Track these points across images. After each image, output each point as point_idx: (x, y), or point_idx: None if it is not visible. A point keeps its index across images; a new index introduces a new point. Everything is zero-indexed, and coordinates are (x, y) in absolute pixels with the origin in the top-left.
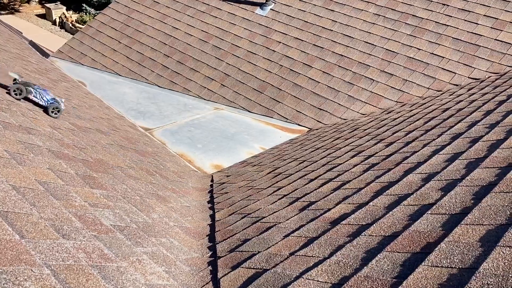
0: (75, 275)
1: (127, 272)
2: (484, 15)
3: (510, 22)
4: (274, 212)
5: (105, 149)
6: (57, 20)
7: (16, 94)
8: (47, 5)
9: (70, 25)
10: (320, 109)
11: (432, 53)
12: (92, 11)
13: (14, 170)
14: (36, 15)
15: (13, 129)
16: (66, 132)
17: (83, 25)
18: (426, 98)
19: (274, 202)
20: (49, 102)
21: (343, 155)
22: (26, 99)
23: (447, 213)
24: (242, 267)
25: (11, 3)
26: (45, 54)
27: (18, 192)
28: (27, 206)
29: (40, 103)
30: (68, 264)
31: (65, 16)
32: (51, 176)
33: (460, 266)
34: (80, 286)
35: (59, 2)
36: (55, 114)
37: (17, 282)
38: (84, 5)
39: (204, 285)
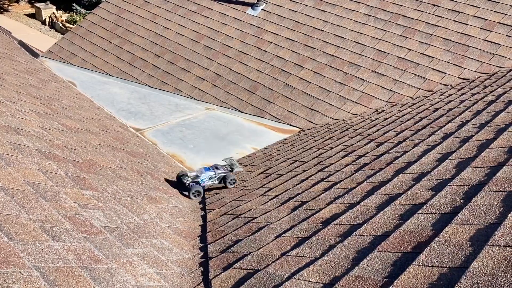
0: (65, 277)
1: (118, 273)
2: (474, 16)
3: (499, 23)
4: (266, 213)
5: (95, 149)
6: (47, 20)
7: (194, 196)
8: (37, 4)
9: (60, 25)
10: (312, 109)
11: (423, 54)
12: (83, 10)
13: (2, 171)
14: (26, 14)
15: (1, 130)
16: (56, 133)
17: (73, 25)
18: (416, 98)
19: (265, 203)
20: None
21: (334, 155)
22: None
23: (438, 212)
24: (234, 268)
25: (0, 3)
26: (34, 54)
27: (6, 193)
28: (15, 208)
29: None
30: (58, 266)
31: (55, 16)
32: (40, 177)
33: (451, 266)
34: None
35: (48, 2)
36: (232, 184)
37: (6, 285)
38: (74, 4)
39: (195, 286)
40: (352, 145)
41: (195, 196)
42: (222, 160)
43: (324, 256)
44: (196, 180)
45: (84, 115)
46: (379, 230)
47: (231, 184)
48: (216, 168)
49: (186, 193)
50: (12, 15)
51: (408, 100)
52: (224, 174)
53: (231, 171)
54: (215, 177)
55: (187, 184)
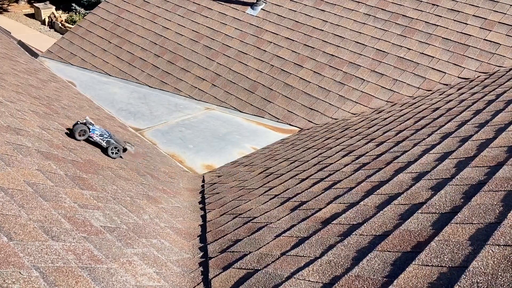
0: (65, 277)
1: (117, 273)
2: (473, 15)
3: (498, 22)
4: (266, 212)
5: (95, 150)
6: (46, 20)
7: (80, 135)
8: (36, 4)
9: (60, 24)
10: (311, 109)
11: (422, 53)
12: (82, 10)
13: (2, 172)
14: (25, 14)
15: (1, 130)
16: (55, 133)
17: (72, 25)
18: (416, 97)
19: (265, 202)
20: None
21: (334, 154)
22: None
23: (437, 212)
24: (234, 268)
25: None
26: (34, 54)
27: (6, 193)
28: (15, 208)
29: (102, 144)
30: (57, 266)
31: (55, 16)
32: (40, 177)
33: (450, 265)
34: None
35: (48, 2)
36: (115, 154)
37: (5, 285)
38: (73, 4)
39: (195, 286)
40: (351, 144)
41: (80, 136)
42: (126, 142)
43: (324, 256)
44: (88, 126)
45: (84, 115)
46: (379, 229)
47: (112, 153)
48: (113, 138)
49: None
50: (12, 15)
51: (408, 99)
52: (111, 141)
53: (124, 150)
54: (105, 138)
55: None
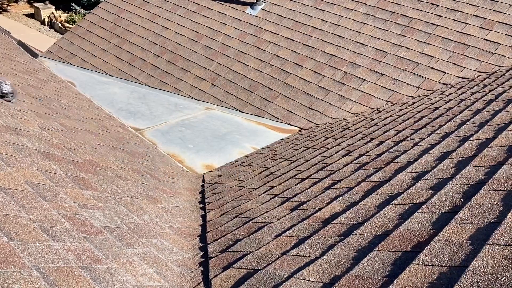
0: (65, 277)
1: (118, 273)
2: (473, 15)
3: (498, 21)
4: (266, 212)
5: (95, 150)
6: (46, 20)
7: None
8: (36, 4)
9: (59, 24)
10: (311, 108)
11: (422, 53)
12: (82, 10)
13: (2, 172)
14: (25, 14)
15: (1, 130)
16: (55, 133)
17: (72, 24)
18: (416, 97)
19: (265, 202)
20: None
21: (334, 154)
22: None
23: (437, 211)
24: (234, 268)
25: None
26: (34, 54)
27: (6, 193)
28: (15, 208)
29: None
30: (58, 266)
31: (54, 16)
32: (40, 177)
33: (450, 265)
34: None
35: (48, 2)
36: None
37: (6, 285)
38: (73, 4)
39: (195, 286)
40: (351, 144)
41: None
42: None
43: (324, 256)
44: None
45: (84, 115)
46: (379, 229)
47: None
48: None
49: None
50: (11, 15)
51: (408, 99)
52: None
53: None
54: None
55: None
